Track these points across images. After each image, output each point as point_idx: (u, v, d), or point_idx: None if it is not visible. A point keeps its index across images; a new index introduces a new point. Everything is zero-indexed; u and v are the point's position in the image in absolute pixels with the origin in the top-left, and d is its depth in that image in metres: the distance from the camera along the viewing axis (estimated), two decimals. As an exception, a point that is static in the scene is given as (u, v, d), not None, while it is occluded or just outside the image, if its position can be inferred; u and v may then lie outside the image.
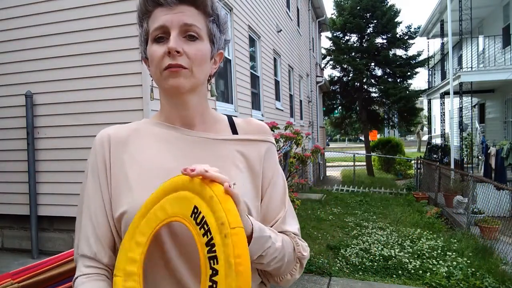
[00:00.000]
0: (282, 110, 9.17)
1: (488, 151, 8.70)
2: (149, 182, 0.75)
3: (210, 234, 0.60)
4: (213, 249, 0.59)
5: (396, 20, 17.27)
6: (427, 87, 16.08)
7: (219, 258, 0.59)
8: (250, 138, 0.85)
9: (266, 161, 0.85)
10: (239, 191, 0.77)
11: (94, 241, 0.77)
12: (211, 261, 0.59)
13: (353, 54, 17.71)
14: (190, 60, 0.76)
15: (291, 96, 10.64)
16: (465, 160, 10.34)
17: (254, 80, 7.17)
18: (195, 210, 0.63)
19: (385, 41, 17.68)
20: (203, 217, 0.62)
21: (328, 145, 25.02)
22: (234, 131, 0.87)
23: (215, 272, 0.59)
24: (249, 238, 0.67)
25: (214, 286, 0.58)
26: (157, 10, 0.77)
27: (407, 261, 4.52)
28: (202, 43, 0.78)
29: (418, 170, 11.72)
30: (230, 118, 0.90)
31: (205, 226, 0.61)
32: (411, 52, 35.06)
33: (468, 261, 4.48)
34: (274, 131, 5.03)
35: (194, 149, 0.81)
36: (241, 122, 0.89)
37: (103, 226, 0.78)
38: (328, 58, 19.24)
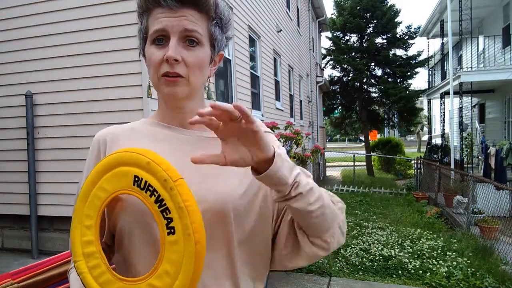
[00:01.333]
0: (282, 110, 9.17)
1: (488, 151, 8.69)
2: None
3: (157, 192, 0.65)
4: (163, 203, 0.65)
5: (396, 20, 17.26)
6: (427, 87, 16.08)
7: (170, 208, 0.64)
8: None
9: None
10: (238, 187, 0.76)
11: None
12: (164, 213, 0.64)
13: (353, 54, 17.70)
14: (188, 68, 0.74)
15: (291, 96, 10.64)
16: (465, 160, 10.33)
17: (254, 80, 7.17)
18: (136, 179, 0.67)
19: (385, 41, 17.67)
20: (145, 181, 0.66)
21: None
22: None
23: (170, 220, 0.64)
24: (272, 159, 0.63)
25: (172, 231, 0.64)
26: (157, 9, 0.74)
27: (407, 261, 4.52)
28: (202, 49, 0.76)
29: (418, 170, 11.72)
30: None
31: (149, 188, 0.66)
32: (411, 52, 35.04)
33: (468, 261, 4.48)
34: (274, 131, 5.03)
35: (191, 148, 0.80)
36: None
37: None
38: (328, 58, 19.23)
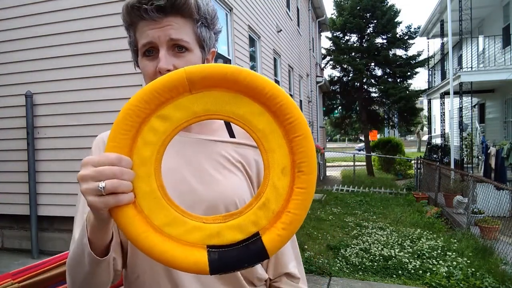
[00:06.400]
0: (282, 110, 9.15)
1: (488, 151, 8.69)
2: None
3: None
4: None
5: (396, 20, 17.26)
6: (427, 87, 16.08)
7: None
8: (248, 143, 0.86)
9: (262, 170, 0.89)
10: (238, 191, 0.78)
11: None
12: None
13: (353, 54, 17.69)
14: None
15: (291, 96, 10.56)
16: (465, 160, 10.33)
17: (254, 80, 7.16)
18: None
19: (385, 41, 17.66)
20: None
21: None
22: (231, 132, 0.88)
23: None
24: None
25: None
26: (142, 22, 0.75)
27: (407, 261, 4.52)
28: (192, 54, 0.77)
29: (418, 170, 11.71)
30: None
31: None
32: (411, 52, 35.03)
33: (468, 261, 4.48)
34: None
35: (192, 150, 0.82)
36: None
37: None
38: (328, 58, 19.21)
